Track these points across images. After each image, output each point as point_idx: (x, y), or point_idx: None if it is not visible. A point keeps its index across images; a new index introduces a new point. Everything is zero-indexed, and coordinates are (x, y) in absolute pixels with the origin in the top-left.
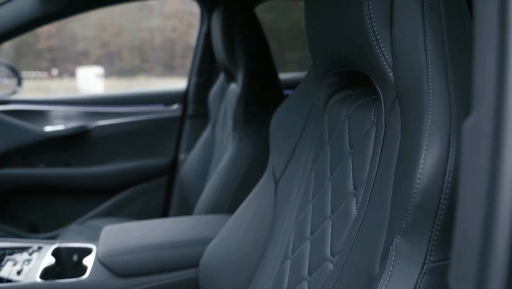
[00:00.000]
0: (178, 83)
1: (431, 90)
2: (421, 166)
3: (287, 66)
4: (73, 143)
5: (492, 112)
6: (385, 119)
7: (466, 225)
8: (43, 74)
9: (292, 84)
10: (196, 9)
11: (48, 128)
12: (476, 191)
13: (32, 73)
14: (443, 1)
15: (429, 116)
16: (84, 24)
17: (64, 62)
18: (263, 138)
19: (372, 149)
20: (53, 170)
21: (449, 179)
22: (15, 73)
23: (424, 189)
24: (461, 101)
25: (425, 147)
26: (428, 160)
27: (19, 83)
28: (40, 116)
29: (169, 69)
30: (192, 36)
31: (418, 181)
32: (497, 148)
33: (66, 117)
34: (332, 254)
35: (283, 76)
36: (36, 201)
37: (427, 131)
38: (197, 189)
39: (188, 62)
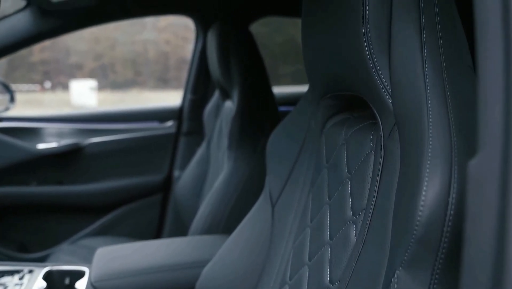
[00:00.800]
0: (172, 96)
1: (431, 120)
2: (422, 198)
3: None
4: (66, 160)
5: (499, 152)
6: (384, 146)
7: (474, 266)
8: (36, 87)
9: (287, 101)
10: (189, 22)
11: (41, 146)
12: (484, 231)
13: (25, 86)
14: (440, 26)
15: (430, 147)
16: (78, 38)
17: (58, 75)
18: (259, 158)
19: (371, 175)
20: (45, 188)
21: (451, 212)
22: (8, 89)
23: (426, 222)
24: (461, 131)
25: (426, 179)
26: (429, 192)
27: (12, 99)
28: (33, 133)
29: (162, 82)
30: (186, 49)
31: (420, 213)
32: (505, 188)
33: (60, 135)
34: (332, 281)
35: (278, 92)
36: (27, 220)
37: (428, 163)
38: (191, 207)
39: (181, 75)
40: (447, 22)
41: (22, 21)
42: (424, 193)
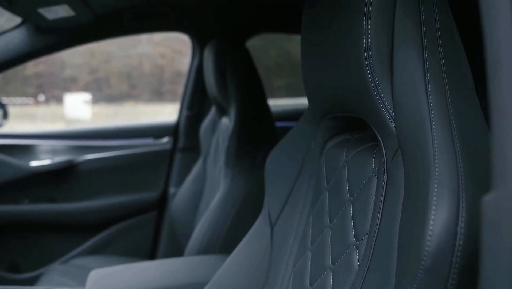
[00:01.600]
0: (167, 109)
1: (436, 145)
2: (430, 227)
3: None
4: (60, 178)
5: None
6: (387, 169)
7: None
8: (30, 100)
9: (284, 116)
10: (184, 36)
11: (34, 163)
12: (501, 270)
13: (18, 100)
14: (442, 48)
15: (436, 174)
16: (73, 51)
17: (52, 89)
18: (256, 176)
19: (373, 199)
20: (37, 206)
21: (461, 242)
22: (1, 106)
23: (434, 252)
24: (467, 157)
25: (433, 207)
26: (437, 221)
27: (5, 116)
28: (26, 150)
29: (157, 95)
30: (180, 62)
31: (428, 243)
32: None
33: (53, 152)
34: None
35: (275, 108)
36: (18, 239)
37: (435, 190)
38: (187, 225)
39: (176, 88)
40: (449, 45)
41: (18, 38)
42: (432, 222)
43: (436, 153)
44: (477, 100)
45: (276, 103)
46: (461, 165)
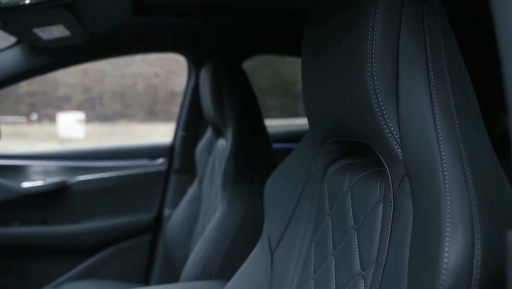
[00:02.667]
0: (161, 128)
1: (446, 174)
2: (445, 260)
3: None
4: (52, 199)
5: None
6: (393, 197)
7: None
8: (22, 119)
9: (281, 138)
10: (178, 56)
11: (26, 185)
12: None
13: (11, 118)
14: (448, 73)
15: (448, 204)
16: (67, 70)
17: (45, 107)
18: (253, 199)
19: (380, 227)
20: (27, 229)
21: (477, 276)
22: None
23: (450, 287)
24: (478, 185)
25: (447, 239)
26: (452, 255)
27: None
28: (18, 171)
29: (151, 115)
30: (175, 82)
31: (443, 277)
32: None
33: (46, 173)
34: None
35: (270, 128)
36: (7, 263)
37: (448, 221)
38: (182, 248)
39: (170, 107)
40: (454, 69)
41: (12, 58)
42: (446, 255)
43: (447, 182)
44: (484, 126)
45: (270, 123)
46: (473, 194)
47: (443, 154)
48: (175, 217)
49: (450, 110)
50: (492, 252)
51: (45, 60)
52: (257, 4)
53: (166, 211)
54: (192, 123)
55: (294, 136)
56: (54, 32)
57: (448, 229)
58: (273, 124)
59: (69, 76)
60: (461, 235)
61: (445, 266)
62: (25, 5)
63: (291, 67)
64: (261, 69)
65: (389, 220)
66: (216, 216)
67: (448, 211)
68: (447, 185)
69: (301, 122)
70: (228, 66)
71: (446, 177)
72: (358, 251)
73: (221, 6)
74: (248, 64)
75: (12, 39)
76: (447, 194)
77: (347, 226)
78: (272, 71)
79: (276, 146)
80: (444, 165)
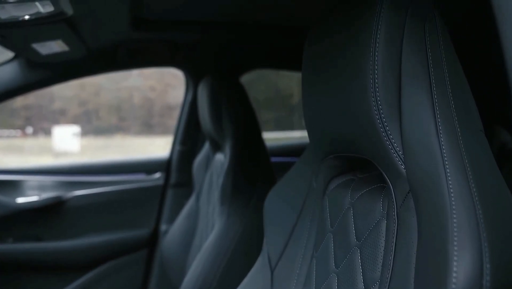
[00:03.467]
0: (156, 142)
1: (451, 191)
2: (453, 280)
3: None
4: (47, 215)
5: None
6: (397, 214)
7: None
8: (17, 132)
9: (280, 152)
10: (175, 70)
11: (20, 200)
12: None
13: (6, 132)
14: (450, 89)
15: (455, 222)
16: (63, 84)
17: (40, 121)
18: (252, 214)
19: (383, 244)
20: (21, 246)
21: None
22: None
23: None
24: (485, 202)
25: (455, 258)
26: (461, 274)
27: None
28: (12, 187)
29: (147, 128)
30: (171, 95)
31: None
32: None
33: (41, 188)
34: None
35: (268, 141)
36: (0, 280)
37: (455, 240)
38: (180, 264)
39: (165, 120)
40: (457, 84)
41: (9, 73)
42: (455, 275)
43: (452, 200)
44: (487, 141)
45: (265, 136)
46: (480, 211)
47: (448, 170)
48: (172, 233)
49: (453, 126)
50: (502, 271)
51: (43, 75)
52: (255, 19)
53: (163, 226)
54: (189, 137)
55: (292, 150)
56: (53, 47)
57: (455, 248)
58: (269, 137)
59: (65, 90)
60: (469, 254)
61: (453, 286)
62: (24, 21)
63: (286, 80)
64: (257, 82)
65: (393, 237)
66: (214, 231)
67: (455, 230)
68: (453, 203)
69: (297, 135)
70: (226, 80)
71: (452, 194)
72: (362, 268)
73: (220, 21)
74: (244, 78)
75: (9, 54)
76: (454, 211)
77: (349, 243)
78: (267, 85)
79: (274, 159)
80: (450, 182)
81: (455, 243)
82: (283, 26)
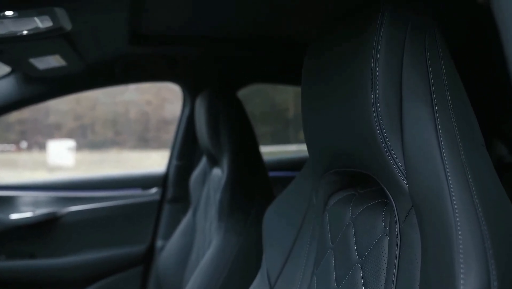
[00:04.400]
0: (152, 156)
1: (456, 207)
2: None
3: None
4: (41, 232)
5: None
6: (399, 230)
7: None
8: (11, 147)
9: (278, 166)
10: (171, 84)
11: (14, 216)
12: None
13: (0, 146)
14: (451, 104)
15: (460, 239)
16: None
17: (35, 135)
18: (250, 230)
19: (386, 261)
20: (14, 263)
21: None
22: None
23: None
24: (489, 218)
25: (462, 276)
26: None
27: None
28: (6, 202)
29: (143, 142)
30: (167, 109)
31: None
32: None
33: (35, 203)
34: None
35: (266, 155)
36: None
37: (461, 258)
38: (176, 281)
39: (161, 135)
40: (458, 98)
41: (6, 87)
42: None
43: (457, 216)
44: (488, 156)
45: (262, 150)
46: (485, 227)
47: (451, 186)
48: (168, 249)
49: (455, 140)
50: (509, 288)
51: (40, 90)
52: (253, 34)
53: (159, 242)
54: (186, 152)
55: (290, 165)
56: (50, 62)
57: (462, 266)
58: (265, 150)
59: (61, 104)
60: (475, 272)
61: None
62: (23, 36)
63: (283, 94)
64: (253, 96)
65: (396, 254)
66: (211, 247)
67: (460, 247)
68: (458, 219)
69: (293, 148)
70: (224, 95)
71: (456, 210)
72: (364, 286)
73: (217, 36)
74: (241, 92)
75: (5, 69)
76: (458, 228)
77: (351, 260)
78: (263, 99)
79: (272, 174)
80: (453, 198)
81: (461, 261)
82: (281, 41)
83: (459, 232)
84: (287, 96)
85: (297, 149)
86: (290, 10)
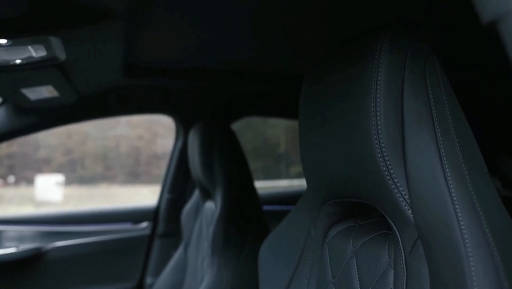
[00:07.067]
0: (142, 191)
1: (466, 236)
2: None
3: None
4: (25, 268)
5: None
6: (405, 262)
7: None
8: None
9: (272, 200)
10: (162, 118)
11: None
12: None
13: None
14: (454, 131)
15: (473, 272)
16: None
17: (23, 169)
18: (243, 266)
19: None
20: None
21: None
22: None
23: None
24: (501, 248)
25: None
26: None
27: None
28: None
29: (133, 177)
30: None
31: None
32: None
33: (20, 238)
34: None
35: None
36: None
37: None
38: None
39: (152, 169)
40: (459, 124)
41: None
42: None
43: (468, 246)
44: (493, 184)
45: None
46: (498, 258)
47: (459, 215)
48: (158, 286)
49: (460, 168)
50: None
51: (31, 121)
52: (248, 67)
53: (148, 279)
54: (178, 185)
55: (285, 198)
56: (43, 92)
57: None
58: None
59: (51, 138)
60: None
61: None
62: (15, 65)
63: (273, 129)
64: (245, 131)
65: (403, 287)
66: (204, 284)
67: (474, 279)
68: (469, 250)
69: (284, 183)
70: (218, 127)
71: (467, 241)
72: None
73: (211, 69)
74: (233, 127)
75: None
76: (470, 259)
77: None
78: (254, 134)
79: (266, 208)
80: (463, 227)
81: None
82: (275, 74)
83: (471, 263)
84: (278, 131)
85: (288, 184)
86: (283, 45)
